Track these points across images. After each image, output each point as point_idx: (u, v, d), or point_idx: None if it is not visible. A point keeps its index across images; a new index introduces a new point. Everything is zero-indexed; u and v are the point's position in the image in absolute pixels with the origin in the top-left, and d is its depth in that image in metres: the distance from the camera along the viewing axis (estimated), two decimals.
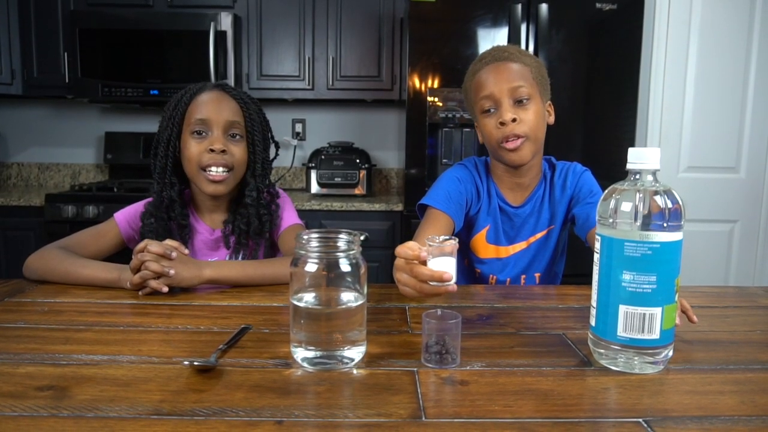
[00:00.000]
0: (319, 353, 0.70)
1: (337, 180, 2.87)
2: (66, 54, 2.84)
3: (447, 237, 0.79)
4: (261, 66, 2.92)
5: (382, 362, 0.72)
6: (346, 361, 0.70)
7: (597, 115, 2.54)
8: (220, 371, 0.68)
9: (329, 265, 0.69)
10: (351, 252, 0.69)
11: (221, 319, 0.89)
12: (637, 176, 0.71)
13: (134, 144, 3.18)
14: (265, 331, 0.83)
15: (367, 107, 3.25)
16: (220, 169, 1.20)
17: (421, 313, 0.74)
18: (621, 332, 0.69)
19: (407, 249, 0.79)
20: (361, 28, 2.91)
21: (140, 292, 1.00)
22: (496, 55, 1.20)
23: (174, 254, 1.00)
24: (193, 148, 1.20)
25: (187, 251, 1.05)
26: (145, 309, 0.94)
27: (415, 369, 0.70)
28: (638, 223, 0.67)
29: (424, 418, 0.58)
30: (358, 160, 2.89)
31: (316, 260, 0.69)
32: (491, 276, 1.32)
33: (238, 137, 1.24)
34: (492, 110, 1.18)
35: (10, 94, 2.94)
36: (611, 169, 2.65)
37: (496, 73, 1.17)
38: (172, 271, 0.98)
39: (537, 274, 1.31)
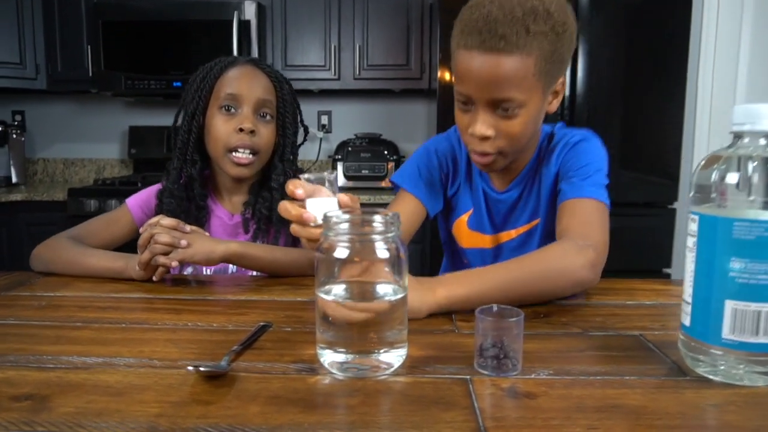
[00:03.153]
0: (350, 357, 0.58)
1: (365, 172, 2.77)
2: (89, 47, 2.79)
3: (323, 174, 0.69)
4: (286, 56, 2.83)
5: (427, 368, 0.60)
6: (383, 366, 0.58)
7: (639, 103, 2.37)
8: (233, 378, 0.57)
9: (363, 250, 0.57)
10: (390, 234, 0.57)
11: (237, 315, 0.77)
12: (746, 140, 0.56)
13: (158, 138, 3.12)
14: (287, 330, 0.71)
15: (395, 97, 3.12)
16: (247, 151, 1.10)
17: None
18: (727, 334, 0.55)
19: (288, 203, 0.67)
20: (388, 16, 2.79)
21: (154, 277, 0.91)
22: (486, 37, 0.80)
23: (188, 228, 0.91)
24: (221, 127, 1.09)
25: (207, 234, 0.97)
26: (153, 303, 0.83)
27: (468, 377, 0.58)
28: (752, 198, 0.53)
29: None
30: (385, 152, 2.78)
31: (347, 244, 0.56)
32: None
33: (268, 117, 1.13)
34: (466, 105, 0.89)
35: (35, 89, 2.90)
36: (656, 164, 2.50)
37: (480, 71, 0.82)
38: (184, 242, 0.89)
39: None
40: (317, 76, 2.85)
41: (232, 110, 1.10)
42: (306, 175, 0.68)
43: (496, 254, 1.10)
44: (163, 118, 3.20)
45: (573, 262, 0.80)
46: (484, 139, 0.88)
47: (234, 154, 1.09)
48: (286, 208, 0.66)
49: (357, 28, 2.80)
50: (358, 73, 2.82)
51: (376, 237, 0.56)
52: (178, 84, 2.75)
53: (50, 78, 2.88)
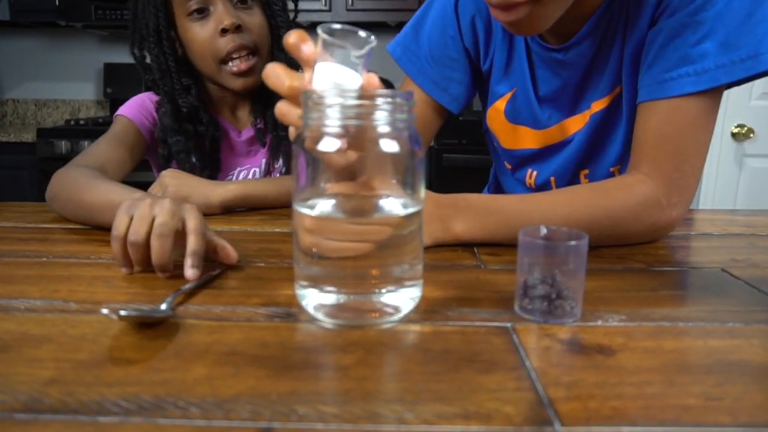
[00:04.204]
0: (343, 298, 0.41)
1: None
2: None
3: (349, 30, 0.42)
4: None
5: (450, 313, 0.43)
6: (389, 311, 0.41)
7: None
8: (175, 327, 0.40)
9: (360, 141, 0.39)
10: (400, 117, 0.39)
11: None
12: None
13: (136, 76, 2.85)
14: (259, 265, 0.54)
15: (391, 32, 2.88)
16: (244, 54, 0.89)
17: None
18: None
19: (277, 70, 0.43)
20: None
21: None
22: None
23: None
24: (199, 36, 0.88)
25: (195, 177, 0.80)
26: (91, 234, 0.65)
27: (509, 324, 0.41)
28: None
29: (558, 427, 0.28)
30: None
31: (337, 131, 0.38)
32: (529, 172, 0.80)
33: (248, 1, 0.91)
34: None
35: None
36: None
37: None
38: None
39: (613, 168, 0.73)
40: (306, 6, 2.59)
41: (204, 12, 0.88)
42: (329, 27, 0.41)
43: (548, 153, 0.76)
44: None
45: (652, 220, 0.59)
46: None
47: (229, 64, 0.89)
48: (276, 71, 0.43)
49: None
50: (351, 3, 2.58)
51: (381, 120, 0.38)
52: None
53: (13, 8, 2.61)
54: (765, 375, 0.34)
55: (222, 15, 0.87)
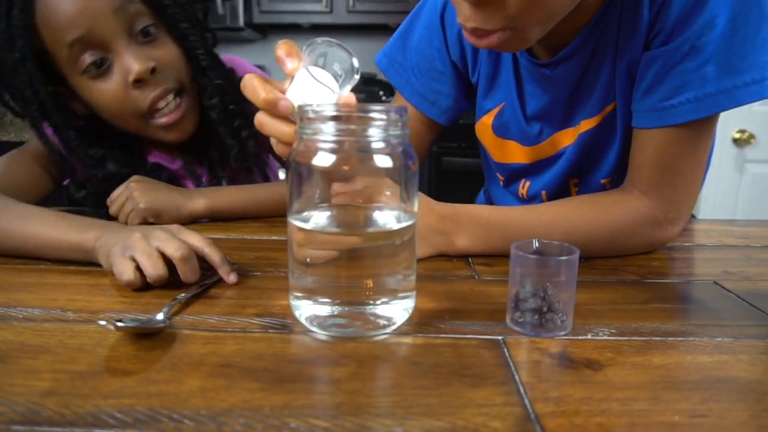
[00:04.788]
0: (337, 310, 0.41)
1: None
2: None
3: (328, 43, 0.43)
4: None
5: (442, 325, 0.43)
6: (381, 323, 0.42)
7: None
8: (171, 338, 0.40)
9: (355, 155, 0.39)
10: (393, 134, 0.39)
11: None
12: None
13: None
14: (255, 275, 0.55)
15: (391, 34, 2.88)
16: (171, 100, 0.73)
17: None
18: None
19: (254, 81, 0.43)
20: None
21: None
22: None
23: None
24: (106, 93, 0.71)
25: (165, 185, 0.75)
26: None
27: (500, 337, 0.41)
28: None
29: None
30: (381, 93, 2.58)
31: (331, 146, 0.39)
32: (522, 182, 0.78)
33: (151, 30, 0.72)
34: None
35: None
36: None
37: None
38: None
39: (605, 180, 0.70)
40: (306, 8, 2.60)
41: (104, 62, 0.70)
42: (315, 41, 0.43)
43: (539, 167, 0.73)
44: None
45: (650, 236, 0.61)
46: (478, 4, 0.48)
47: (156, 116, 0.74)
48: (253, 84, 0.43)
49: None
50: (351, 4, 2.58)
51: (375, 136, 0.39)
52: None
53: None
54: (750, 392, 0.34)
55: (129, 62, 0.69)
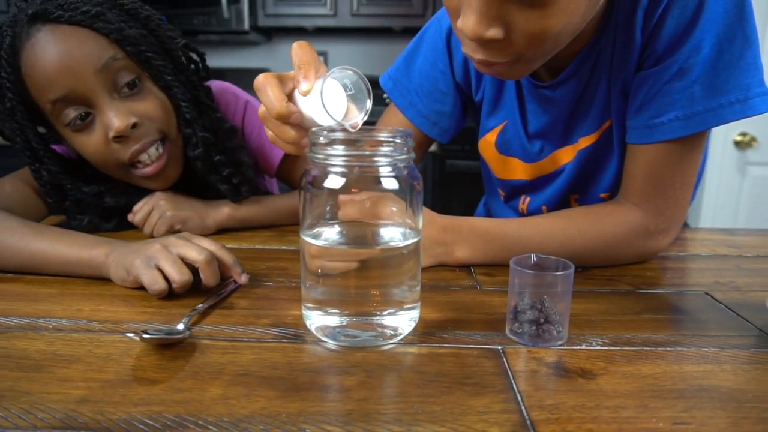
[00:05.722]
0: (346, 320, 0.44)
1: None
2: None
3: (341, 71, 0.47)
4: None
5: (445, 335, 0.46)
6: (388, 333, 0.45)
7: None
8: (192, 347, 0.43)
9: (364, 178, 0.42)
10: (399, 158, 0.42)
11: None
12: None
13: None
14: (268, 285, 0.58)
15: (395, 37, 2.90)
16: (153, 152, 0.73)
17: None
18: None
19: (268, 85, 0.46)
20: None
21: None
22: None
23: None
24: (89, 146, 0.71)
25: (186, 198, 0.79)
26: None
27: (500, 347, 0.44)
28: None
29: None
30: (385, 96, 2.59)
31: (342, 170, 0.42)
32: (522, 198, 0.81)
33: (135, 82, 0.71)
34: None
35: None
36: None
37: None
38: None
39: (604, 195, 0.73)
40: (311, 11, 2.63)
41: (88, 116, 0.70)
42: (333, 71, 0.45)
43: (540, 183, 0.77)
44: None
45: (642, 246, 0.64)
46: (485, 42, 0.50)
47: (138, 166, 0.74)
48: (266, 90, 0.45)
49: None
50: (356, 8, 2.60)
51: (382, 161, 0.41)
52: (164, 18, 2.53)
53: None
54: (731, 400, 0.37)
55: (109, 119, 0.69)
